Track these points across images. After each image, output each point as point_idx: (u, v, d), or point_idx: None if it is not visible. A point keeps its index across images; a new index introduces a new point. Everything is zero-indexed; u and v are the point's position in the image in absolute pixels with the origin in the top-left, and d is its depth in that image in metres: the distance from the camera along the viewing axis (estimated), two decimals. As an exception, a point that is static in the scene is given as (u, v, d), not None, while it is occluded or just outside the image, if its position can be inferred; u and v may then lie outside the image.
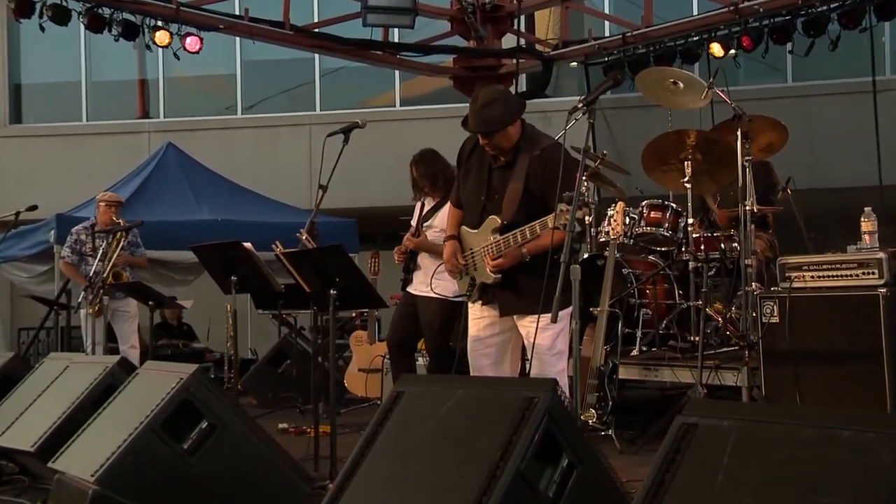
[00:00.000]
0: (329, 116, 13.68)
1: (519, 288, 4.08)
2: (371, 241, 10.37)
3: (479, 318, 4.23)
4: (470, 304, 4.27)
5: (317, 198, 4.69)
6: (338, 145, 4.71)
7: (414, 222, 5.76)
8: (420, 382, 3.14)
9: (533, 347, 3.87)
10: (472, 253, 4.19)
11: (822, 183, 11.07)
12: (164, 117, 14.61)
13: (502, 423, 2.62)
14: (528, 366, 4.20)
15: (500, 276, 4.07)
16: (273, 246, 4.60)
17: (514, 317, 4.15)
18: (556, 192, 3.81)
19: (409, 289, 5.75)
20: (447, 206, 5.58)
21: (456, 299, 5.52)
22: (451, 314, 5.68)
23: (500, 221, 4.04)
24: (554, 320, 3.50)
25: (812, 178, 10.51)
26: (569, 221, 3.56)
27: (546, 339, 3.98)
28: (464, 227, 4.27)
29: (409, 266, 5.74)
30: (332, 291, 4.22)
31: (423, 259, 5.69)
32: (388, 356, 6.19)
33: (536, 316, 3.92)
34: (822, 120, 12.02)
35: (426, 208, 5.75)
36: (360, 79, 14.21)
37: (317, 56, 13.74)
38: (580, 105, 3.60)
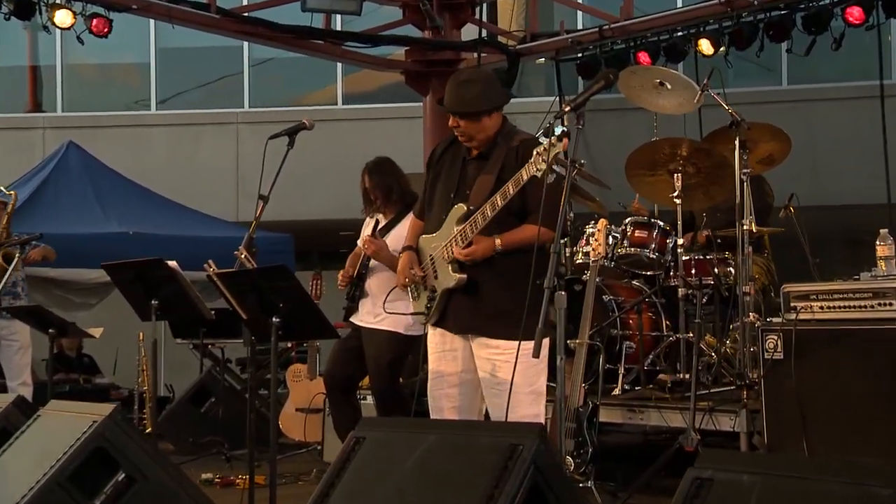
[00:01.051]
0: (259, 114, 13.61)
1: (480, 299, 4.06)
2: (308, 260, 10.34)
3: (441, 350, 4.21)
4: (430, 331, 4.25)
5: (256, 210, 4.65)
6: (279, 149, 4.68)
7: (363, 237, 5.74)
8: (384, 426, 3.13)
9: (511, 382, 3.84)
10: (431, 260, 4.18)
11: (820, 199, 11.29)
12: (63, 111, 14.41)
13: (481, 475, 2.62)
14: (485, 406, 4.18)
15: (464, 276, 4.05)
16: (205, 265, 4.56)
17: (470, 337, 4.12)
18: (535, 187, 3.84)
19: (354, 319, 5.73)
20: (403, 224, 5.61)
21: (409, 334, 5.51)
22: (403, 350, 5.67)
23: (465, 208, 4.06)
24: (536, 354, 3.50)
25: (810, 193, 10.72)
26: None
27: (524, 374, 3.95)
28: (422, 237, 4.28)
29: (355, 292, 5.72)
30: (274, 319, 4.20)
31: (372, 285, 5.68)
32: (328, 394, 6.16)
33: (501, 342, 3.93)
34: (821, 128, 12.27)
35: (380, 225, 5.74)
36: (297, 72, 14.17)
37: (246, 45, 13.67)
38: (567, 109, 3.63)
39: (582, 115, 3.64)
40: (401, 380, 5.89)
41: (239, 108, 14.10)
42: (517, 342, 3.81)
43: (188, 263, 5.57)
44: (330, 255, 15.93)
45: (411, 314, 4.38)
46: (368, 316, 5.67)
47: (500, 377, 4.01)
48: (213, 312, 5.34)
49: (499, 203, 3.93)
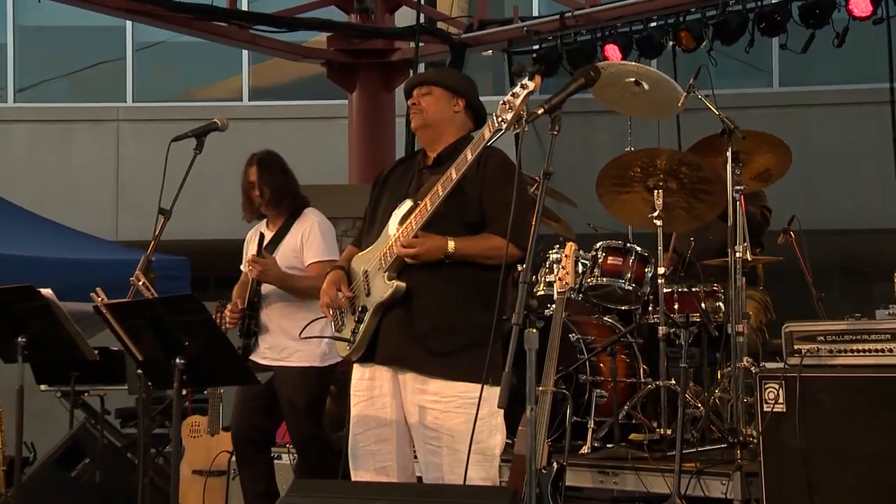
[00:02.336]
0: (144, 110, 13.51)
1: (413, 314, 4.07)
2: (204, 287, 10.23)
3: (368, 396, 4.20)
4: (355, 368, 4.25)
5: (155, 227, 4.62)
6: (184, 154, 4.67)
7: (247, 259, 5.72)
8: (317, 491, 3.11)
9: (472, 438, 3.84)
10: (365, 276, 4.18)
11: (815, 222, 11.50)
12: None
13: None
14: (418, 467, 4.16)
15: (403, 284, 4.03)
16: (93, 294, 4.52)
17: (398, 373, 4.11)
18: (498, 198, 3.93)
19: (255, 357, 5.70)
20: (295, 235, 5.63)
21: (328, 364, 5.52)
22: (322, 387, 5.72)
23: (410, 202, 4.11)
24: (502, 404, 3.52)
25: (804, 215, 10.94)
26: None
27: (469, 426, 3.90)
28: (356, 256, 4.30)
29: (250, 326, 5.70)
30: (177, 360, 4.19)
31: (270, 313, 5.68)
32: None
33: (440, 383, 3.98)
34: (818, 138, 12.54)
35: (266, 240, 5.74)
36: (192, 59, 14.11)
37: (129, 25, 13.57)
38: (541, 111, 3.67)
39: (558, 119, 3.69)
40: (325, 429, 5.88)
41: (119, 102, 14.00)
42: (462, 384, 3.87)
43: (64, 292, 5.51)
44: (231, 281, 15.68)
45: (330, 337, 4.34)
46: (272, 352, 5.67)
47: (437, 428, 4.02)
48: (96, 352, 5.28)
49: (454, 176, 3.94)
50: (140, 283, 4.58)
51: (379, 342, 4.12)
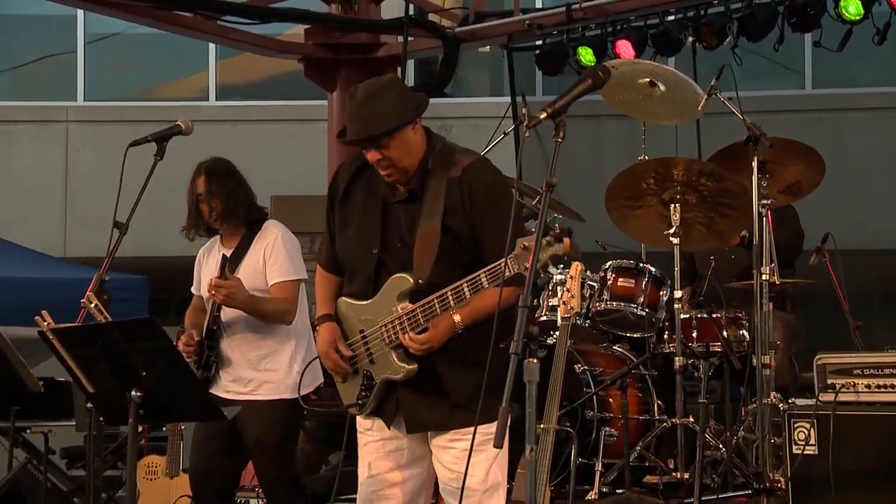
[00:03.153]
0: (97, 111, 13.52)
1: (440, 389, 4.11)
2: (163, 310, 10.22)
3: (376, 441, 4.24)
4: (360, 421, 4.28)
5: (110, 242, 4.63)
6: (143, 160, 4.69)
7: (205, 280, 5.71)
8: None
9: (464, 482, 3.88)
10: (363, 337, 4.22)
11: (852, 241, 11.56)
12: None
13: None
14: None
15: (415, 366, 4.10)
16: (38, 318, 4.52)
17: (429, 435, 4.19)
18: (494, 232, 3.92)
19: (217, 391, 5.67)
20: (256, 252, 5.64)
21: (297, 396, 5.51)
22: (293, 422, 5.70)
23: (411, 281, 4.10)
24: (499, 444, 3.53)
25: (840, 233, 11.00)
26: (527, 272, 3.61)
27: (477, 468, 3.99)
28: (344, 300, 4.30)
29: (209, 358, 5.69)
30: (133, 393, 4.19)
31: (232, 343, 5.68)
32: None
33: (465, 431, 3.97)
34: (855, 146, 12.58)
35: (218, 256, 5.73)
36: (152, 53, 14.12)
37: (81, 14, 13.58)
38: (543, 115, 3.69)
39: (563, 124, 3.69)
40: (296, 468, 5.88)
41: (69, 101, 13.99)
42: (480, 426, 3.85)
43: (5, 315, 5.52)
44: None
45: (343, 408, 4.36)
46: (237, 385, 5.65)
47: (457, 469, 4.06)
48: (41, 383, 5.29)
49: (467, 294, 3.98)
50: (92, 305, 4.57)
51: (391, 409, 4.18)
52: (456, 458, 4.09)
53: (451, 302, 4.01)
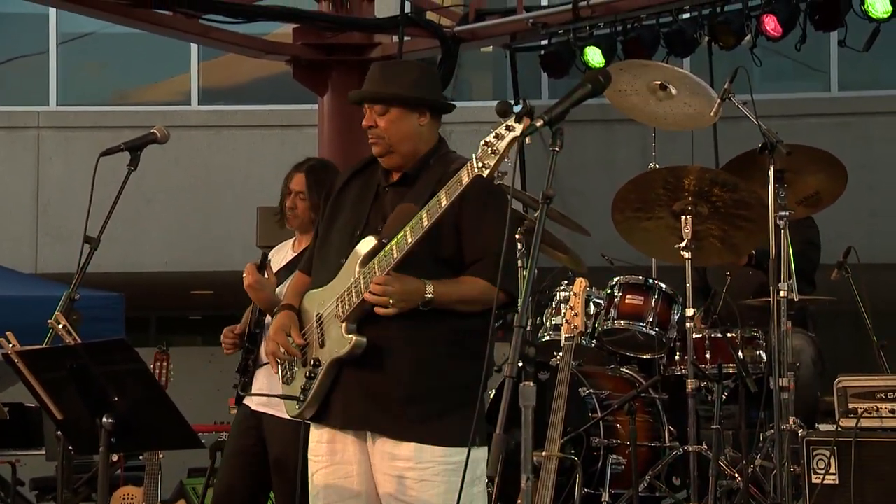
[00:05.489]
0: (71, 116, 13.52)
1: (385, 376, 4.07)
2: (143, 330, 10.24)
3: (329, 461, 4.22)
4: (311, 446, 4.28)
5: (80, 258, 4.65)
6: (119, 170, 4.71)
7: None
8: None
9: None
10: (319, 322, 4.22)
11: (880, 255, 11.57)
12: None
13: None
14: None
15: (363, 339, 4.07)
16: (1, 340, 4.54)
17: (368, 438, 4.16)
18: (478, 229, 3.98)
19: (249, 402, 5.72)
20: None
21: None
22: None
23: (375, 240, 4.12)
24: (493, 472, 3.55)
25: (867, 246, 11.04)
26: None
27: (447, 498, 3.96)
28: (310, 293, 4.34)
29: (248, 361, 5.71)
30: (104, 419, 4.20)
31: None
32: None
33: (415, 447, 4.00)
34: (883, 153, 12.58)
35: (287, 258, 5.78)
36: (130, 55, 14.13)
37: (52, 13, 13.61)
38: (540, 123, 3.72)
39: (560, 133, 3.72)
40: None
41: (40, 105, 14.00)
42: (441, 448, 3.91)
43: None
44: (176, 322, 15.69)
45: (278, 396, 4.39)
46: (263, 397, 5.68)
47: (412, 501, 4.05)
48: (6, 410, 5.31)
49: (425, 222, 3.97)
50: (60, 325, 4.57)
51: (335, 402, 4.16)
52: (403, 483, 4.06)
53: (409, 237, 3.98)
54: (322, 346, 4.19)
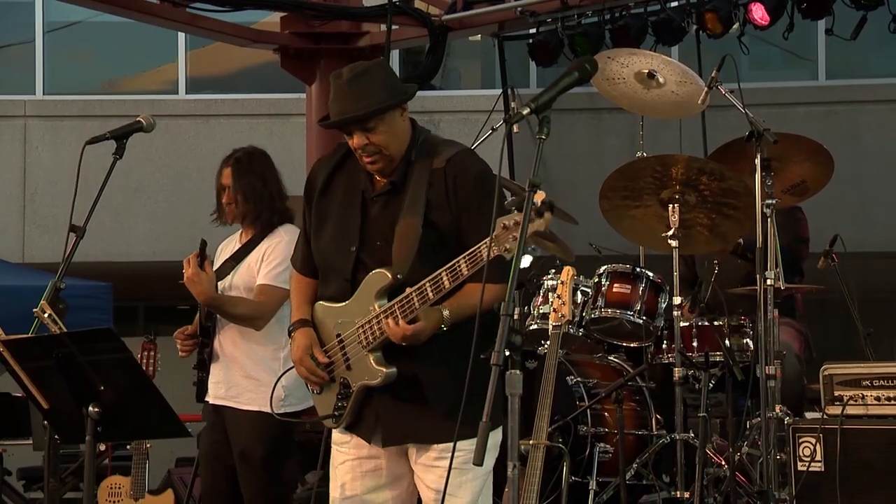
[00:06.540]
0: (58, 105, 13.51)
1: (425, 396, 4.12)
2: (130, 319, 10.23)
3: (353, 460, 4.25)
4: (336, 435, 4.30)
5: (66, 247, 4.65)
6: (107, 159, 4.71)
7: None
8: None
9: (444, 496, 3.91)
10: (340, 342, 4.24)
11: (868, 243, 11.58)
12: None
13: None
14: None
15: (394, 370, 4.12)
16: (-16, 328, 4.55)
17: (410, 449, 4.20)
18: (480, 225, 3.93)
19: (210, 398, 5.74)
20: (261, 251, 5.72)
21: (284, 410, 5.53)
22: (280, 438, 5.70)
23: (389, 276, 4.12)
24: (478, 461, 3.57)
25: (854, 235, 11.07)
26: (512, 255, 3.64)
27: (464, 490, 4.04)
28: (321, 304, 4.33)
29: (204, 356, 5.73)
30: (90, 409, 4.21)
31: (223, 341, 5.72)
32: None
33: (446, 446, 3.99)
34: (871, 142, 12.61)
35: (228, 252, 5.81)
36: (116, 44, 14.11)
37: (40, 1, 13.59)
38: (527, 111, 3.72)
39: (547, 120, 3.73)
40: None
41: (27, 94, 13.99)
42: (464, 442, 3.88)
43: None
44: (164, 312, 15.64)
45: (318, 419, 4.38)
46: (217, 388, 5.70)
47: (440, 488, 4.06)
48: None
49: (446, 284, 3.99)
50: (45, 315, 4.57)
51: (369, 420, 4.19)
52: (441, 476, 4.06)
53: (430, 294, 4.02)
54: (349, 368, 4.21)
